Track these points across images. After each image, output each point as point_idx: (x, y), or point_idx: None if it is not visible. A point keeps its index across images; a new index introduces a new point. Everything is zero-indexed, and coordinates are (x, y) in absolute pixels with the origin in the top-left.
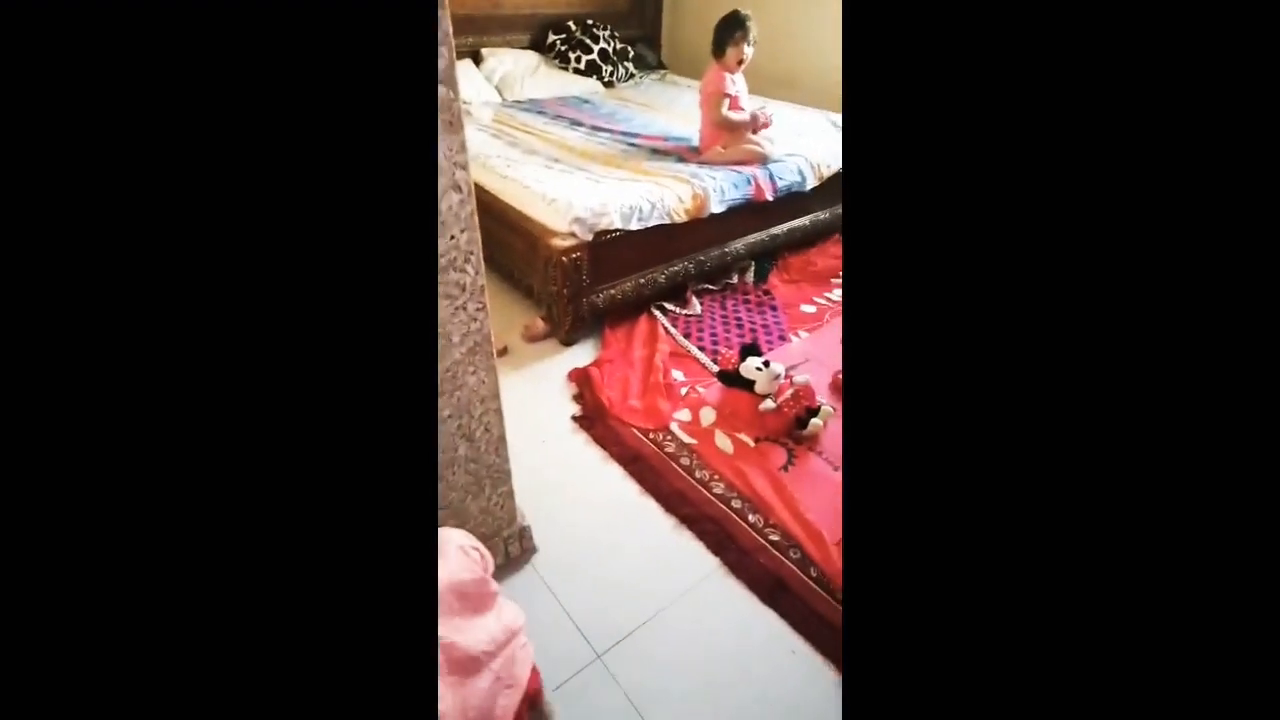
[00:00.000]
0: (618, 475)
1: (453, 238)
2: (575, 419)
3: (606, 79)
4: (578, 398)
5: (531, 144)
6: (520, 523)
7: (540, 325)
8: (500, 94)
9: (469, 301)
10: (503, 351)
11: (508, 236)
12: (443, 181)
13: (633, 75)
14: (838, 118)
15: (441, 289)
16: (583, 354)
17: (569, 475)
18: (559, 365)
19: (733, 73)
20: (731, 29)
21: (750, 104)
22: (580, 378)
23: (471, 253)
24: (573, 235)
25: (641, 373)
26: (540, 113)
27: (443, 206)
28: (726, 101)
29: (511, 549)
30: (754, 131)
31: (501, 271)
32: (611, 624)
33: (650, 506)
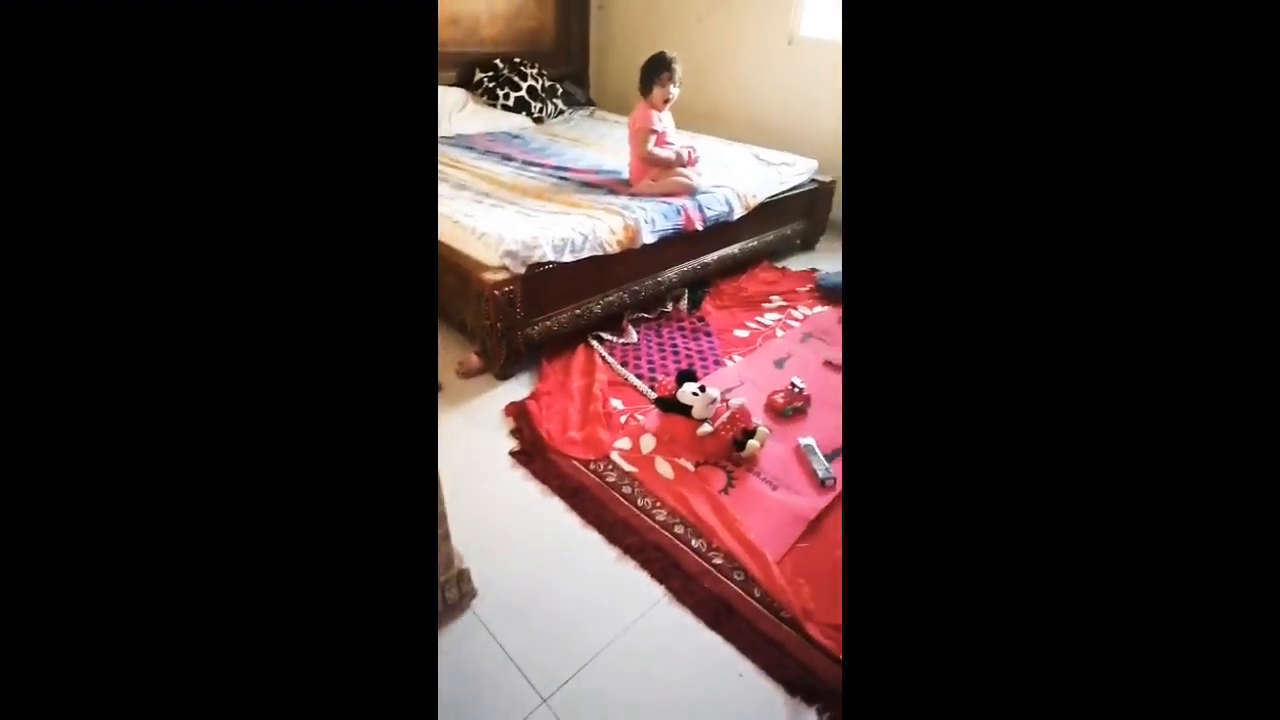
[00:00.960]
0: (559, 509)
1: None
2: (513, 454)
3: (536, 115)
4: (515, 432)
5: (461, 179)
6: (458, 566)
7: (474, 360)
8: None
9: None
10: (436, 392)
11: (441, 272)
12: None
13: (562, 111)
14: (762, 151)
15: None
16: (519, 388)
17: (508, 513)
18: (495, 400)
19: (659, 110)
20: (658, 69)
21: (678, 139)
22: (517, 412)
23: None
24: (505, 269)
25: (580, 403)
26: (470, 148)
27: None
28: (653, 138)
29: (449, 594)
30: (681, 167)
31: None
32: (557, 664)
33: (593, 539)
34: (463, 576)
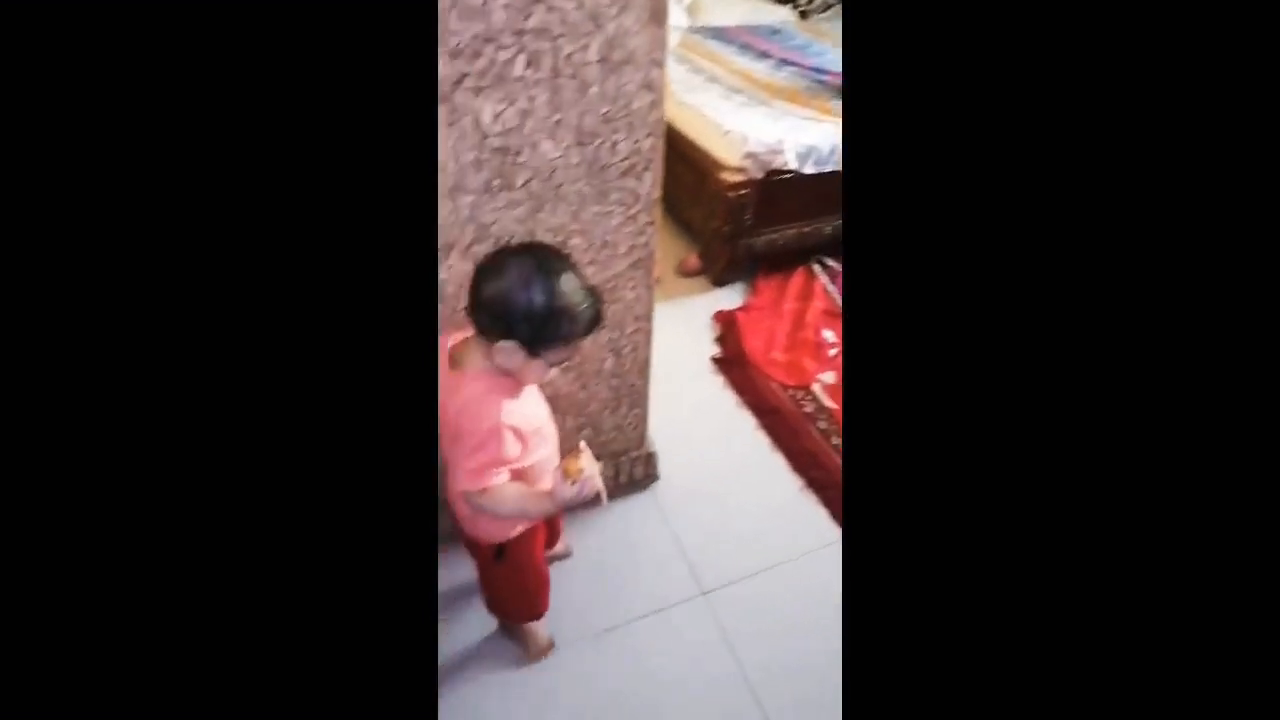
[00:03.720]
0: (749, 425)
1: (636, 141)
2: (715, 361)
3: (801, 8)
4: (720, 340)
5: (714, 71)
6: (648, 448)
7: (694, 261)
8: (689, 16)
9: (641, 213)
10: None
11: (675, 165)
12: (637, 77)
13: (830, 6)
14: None
15: (616, 195)
16: (732, 296)
17: (701, 415)
18: (706, 305)
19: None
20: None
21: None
22: (726, 321)
23: (652, 160)
24: (743, 171)
25: (790, 326)
26: (727, 41)
27: (633, 105)
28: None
29: (636, 471)
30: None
31: (664, 201)
32: (723, 566)
33: (778, 464)
34: (650, 459)
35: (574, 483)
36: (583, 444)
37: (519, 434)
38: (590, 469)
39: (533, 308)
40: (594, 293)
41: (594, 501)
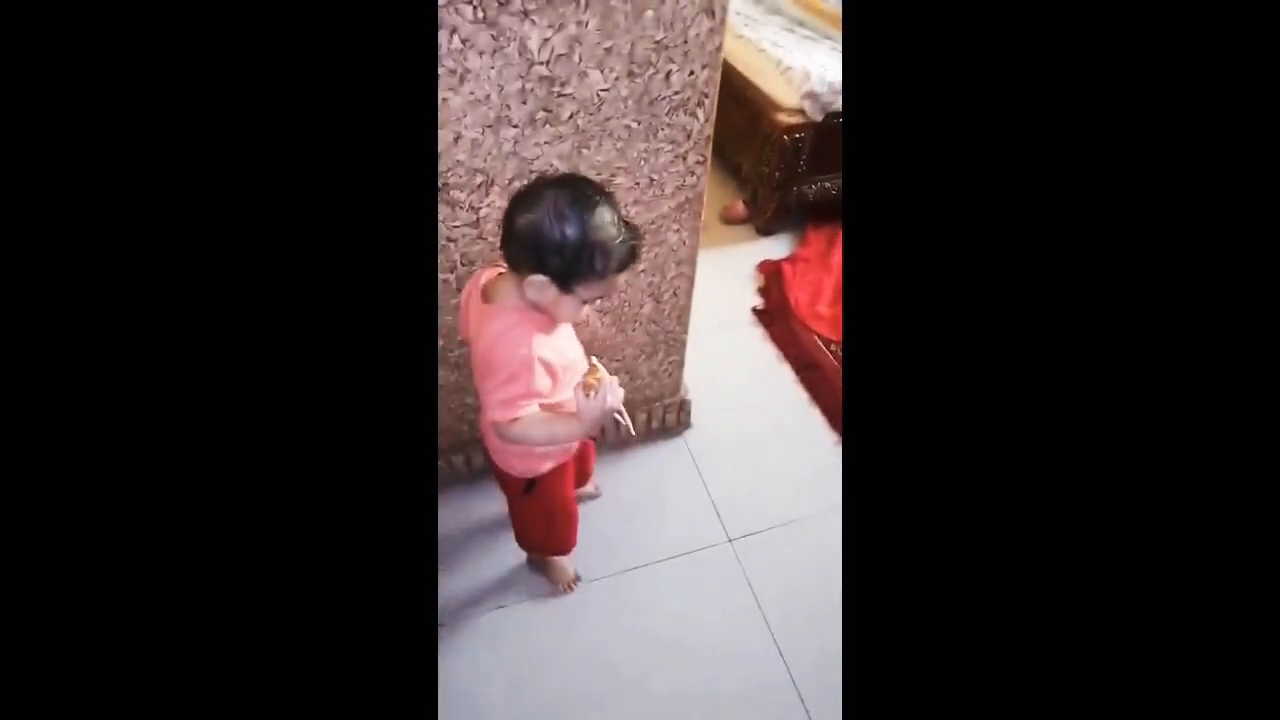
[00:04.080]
0: (788, 379)
1: (691, 73)
2: (756, 312)
3: None
4: (763, 291)
5: (775, 2)
6: (682, 395)
7: (741, 208)
8: None
9: (691, 151)
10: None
11: (727, 105)
12: (697, 2)
13: None
14: None
15: (665, 132)
16: (778, 247)
17: (738, 366)
18: (751, 254)
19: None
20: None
21: None
22: (771, 271)
23: (707, 95)
24: (801, 113)
25: (838, 280)
26: None
27: (690, 32)
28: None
29: (669, 418)
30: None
31: (712, 144)
32: (751, 515)
33: (815, 419)
34: (683, 406)
35: (595, 393)
36: (593, 360)
37: (549, 368)
38: (607, 376)
39: (565, 240)
40: (630, 227)
41: (624, 437)
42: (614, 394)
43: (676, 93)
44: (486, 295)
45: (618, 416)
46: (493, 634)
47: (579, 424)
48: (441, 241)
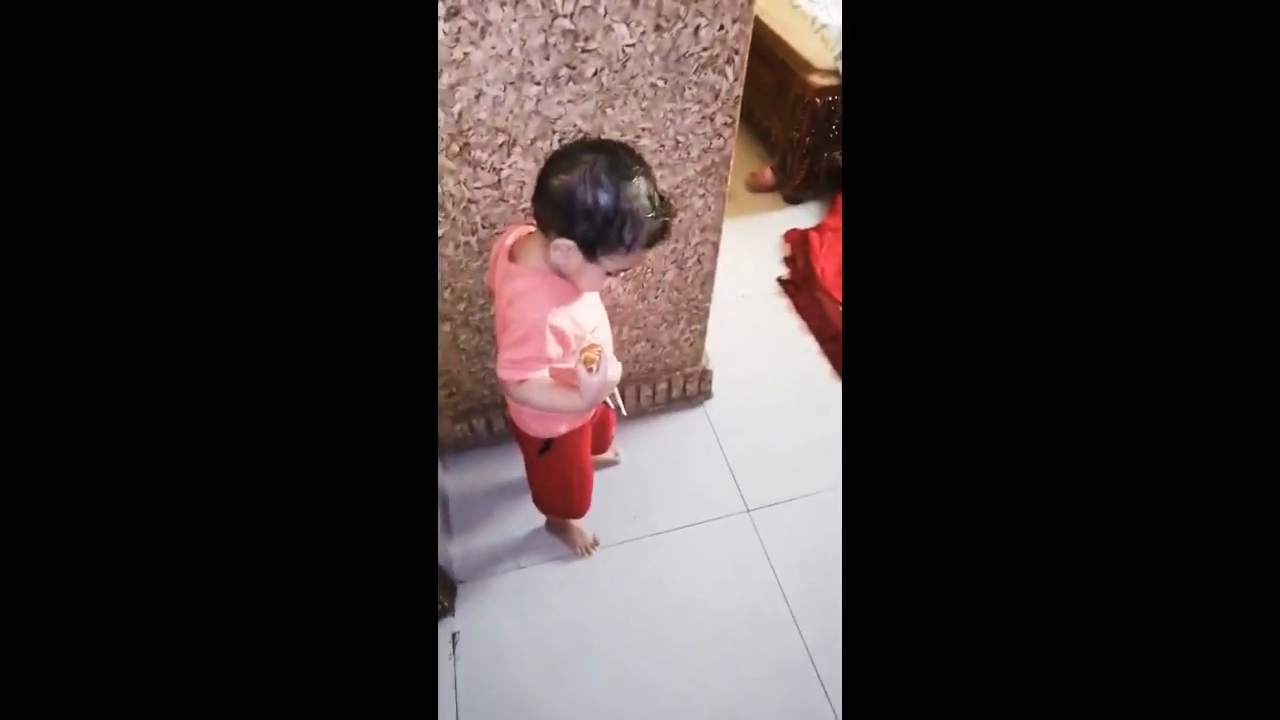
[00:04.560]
0: (812, 351)
1: (721, 28)
2: (781, 282)
3: None
4: (789, 261)
5: None
6: (704, 365)
7: (768, 175)
8: None
9: (719, 112)
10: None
11: (756, 66)
12: None
13: None
14: None
15: (693, 91)
16: (805, 216)
17: (762, 337)
18: (777, 223)
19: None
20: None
21: None
22: (797, 241)
23: (737, 51)
24: (835, 74)
25: None
26: None
27: None
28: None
29: (690, 387)
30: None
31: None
32: (770, 487)
33: (837, 392)
34: (704, 376)
35: (594, 369)
36: (589, 338)
37: (562, 336)
38: (607, 351)
39: (596, 206)
40: (665, 203)
41: (616, 417)
42: (613, 369)
43: (705, 49)
44: (513, 254)
45: (609, 398)
46: (511, 593)
47: (579, 399)
48: (463, 203)
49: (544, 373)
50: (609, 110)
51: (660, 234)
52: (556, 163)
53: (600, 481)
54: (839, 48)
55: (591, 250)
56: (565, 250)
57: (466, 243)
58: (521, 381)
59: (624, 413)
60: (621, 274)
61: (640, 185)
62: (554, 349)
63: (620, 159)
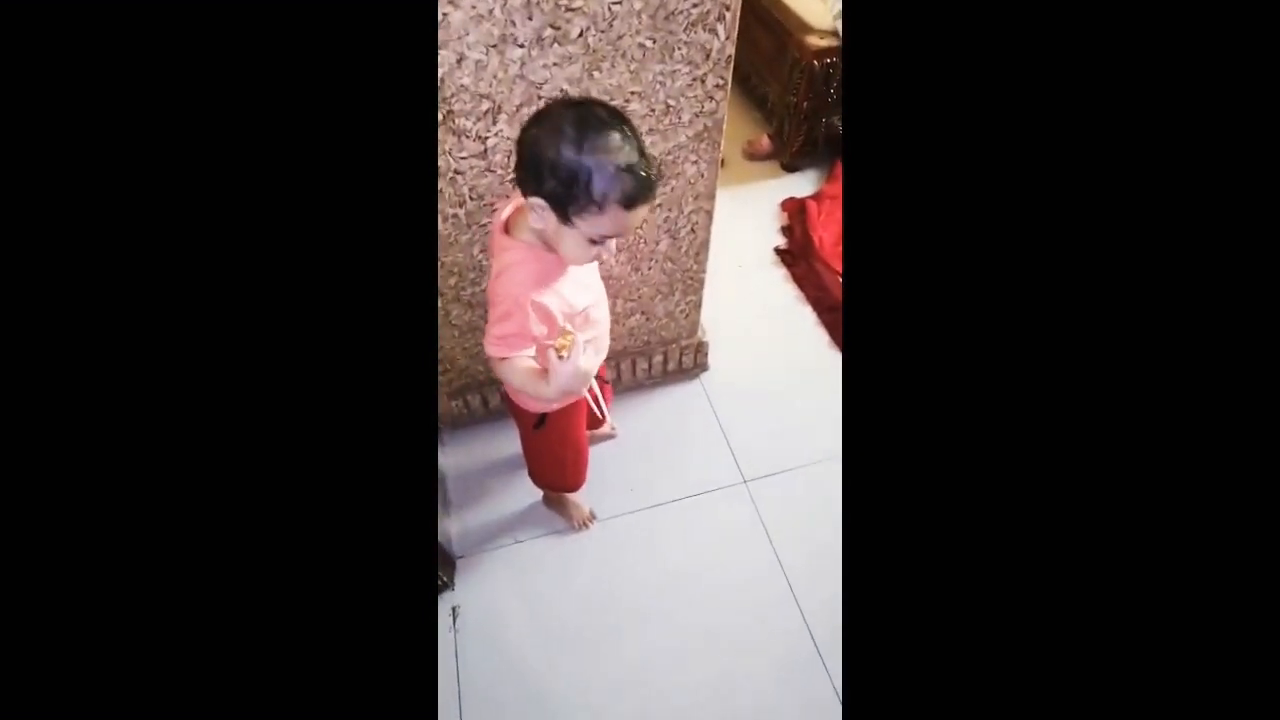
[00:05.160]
0: (809, 321)
1: None
2: (778, 252)
3: None
4: (786, 230)
5: None
6: (700, 337)
7: (765, 143)
8: None
9: (710, 74)
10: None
11: (753, 28)
12: None
13: None
14: None
15: (683, 51)
16: (803, 184)
17: (759, 308)
18: (774, 191)
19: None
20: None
21: None
22: (794, 209)
23: (728, 7)
24: (834, 35)
25: None
26: None
27: None
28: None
29: (686, 360)
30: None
31: (736, 72)
32: (766, 457)
33: (836, 363)
34: (700, 348)
35: (566, 356)
36: (567, 325)
37: (547, 315)
38: (579, 341)
39: (559, 159)
40: (644, 158)
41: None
42: (585, 360)
43: (694, 5)
44: (508, 227)
45: (592, 400)
46: (509, 566)
47: (549, 387)
48: (449, 174)
49: (528, 353)
50: (596, 73)
51: (637, 193)
52: (531, 120)
53: (596, 455)
54: (838, 6)
55: (564, 209)
56: (539, 210)
57: (455, 215)
58: (503, 359)
59: (611, 425)
60: (612, 243)
61: (611, 137)
62: (538, 328)
63: (592, 112)
